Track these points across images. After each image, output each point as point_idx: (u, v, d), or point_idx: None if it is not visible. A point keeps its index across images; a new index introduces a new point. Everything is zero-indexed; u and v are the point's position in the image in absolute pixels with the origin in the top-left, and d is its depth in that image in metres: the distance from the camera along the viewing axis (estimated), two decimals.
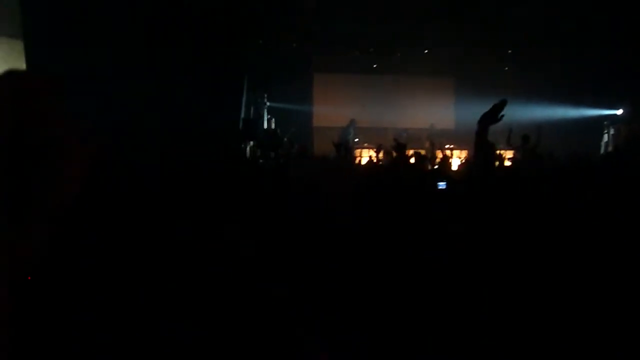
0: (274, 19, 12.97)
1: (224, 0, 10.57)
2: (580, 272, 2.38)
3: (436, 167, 8.23)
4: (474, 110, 4.22)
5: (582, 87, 14.54)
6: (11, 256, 0.61)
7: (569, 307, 2.24)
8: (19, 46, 9.25)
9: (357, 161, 11.38)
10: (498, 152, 8.69)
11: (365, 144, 15.12)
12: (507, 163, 8.64)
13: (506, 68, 16.47)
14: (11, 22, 9.29)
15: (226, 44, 10.79)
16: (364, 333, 2.19)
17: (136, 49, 9.16)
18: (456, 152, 13.23)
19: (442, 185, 4.43)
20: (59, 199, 0.65)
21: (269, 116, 15.40)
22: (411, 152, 6.98)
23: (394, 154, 7.73)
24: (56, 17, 8.94)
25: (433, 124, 16.82)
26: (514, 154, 10.52)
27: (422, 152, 9.45)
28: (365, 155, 14.04)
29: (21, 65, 8.66)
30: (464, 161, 10.53)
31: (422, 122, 16.84)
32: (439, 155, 9.59)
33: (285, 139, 12.57)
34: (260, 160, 10.13)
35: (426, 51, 16.08)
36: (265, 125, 15.06)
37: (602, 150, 13.90)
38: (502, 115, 2.92)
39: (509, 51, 15.72)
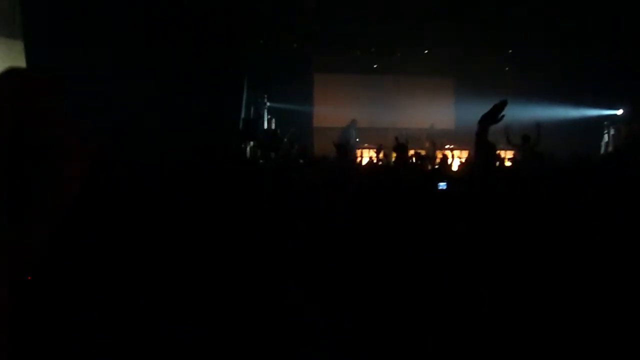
0: (274, 19, 12.96)
1: (224, 1, 10.56)
2: (580, 271, 2.38)
3: (436, 167, 8.23)
4: (474, 111, 4.22)
5: (582, 87, 14.54)
6: (11, 256, 0.61)
7: (569, 306, 2.24)
8: (18, 46, 9.25)
9: (357, 161, 11.38)
10: (498, 152, 8.69)
11: (366, 144, 15.12)
12: (508, 163, 8.64)
13: (506, 68, 16.46)
14: (10, 23, 9.30)
15: (226, 44, 10.78)
16: (365, 333, 2.19)
17: (136, 49, 9.16)
18: (456, 152, 13.22)
19: (442, 185, 4.44)
20: (59, 199, 0.65)
21: (269, 116, 15.40)
22: (412, 152, 6.98)
23: (394, 154, 7.74)
24: (56, 17, 8.93)
25: (433, 124, 16.82)
26: (514, 154, 10.52)
27: (422, 152, 9.46)
28: (366, 156, 14.06)
29: (21, 65, 8.64)
30: (464, 161, 10.52)
31: (422, 122, 16.84)
32: (439, 155, 9.60)
33: (285, 140, 12.56)
34: (261, 161, 10.13)
35: (426, 51, 16.08)
36: (265, 126, 15.05)
37: (603, 150, 13.90)
38: (503, 116, 2.91)
39: (509, 51, 15.72)
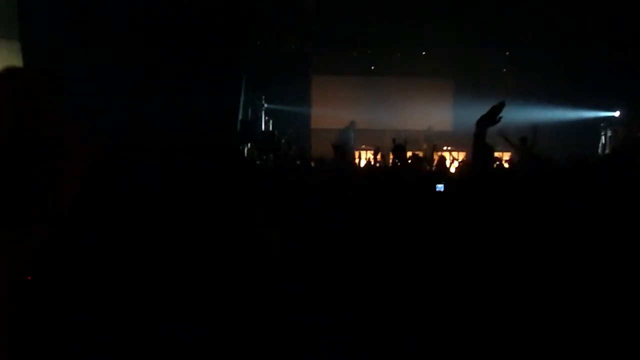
0: (273, 20, 12.97)
1: (222, 1, 10.56)
2: (578, 273, 2.39)
3: (433, 168, 8.23)
4: (472, 112, 4.23)
5: (580, 89, 14.57)
6: (11, 256, 0.61)
7: (569, 307, 2.24)
8: (16, 48, 9.25)
9: (355, 163, 11.38)
10: (496, 154, 8.72)
11: (363, 146, 15.13)
12: (505, 165, 8.66)
13: (504, 70, 16.48)
14: (8, 24, 9.29)
15: (224, 45, 10.78)
16: (365, 334, 2.19)
17: (134, 50, 9.15)
18: (454, 154, 13.24)
19: (440, 187, 4.44)
20: (59, 199, 0.65)
21: (266, 118, 15.40)
22: (409, 153, 6.97)
23: (391, 155, 7.74)
24: (54, 17, 8.93)
25: (431, 125, 16.84)
26: (511, 156, 10.55)
27: (420, 153, 9.46)
28: (363, 157, 14.06)
29: (18, 66, 8.62)
30: (461, 163, 10.54)
31: (420, 124, 16.86)
32: (436, 157, 9.60)
33: (283, 141, 12.57)
34: (258, 162, 10.13)
35: (424, 53, 16.09)
36: (263, 127, 15.05)
37: (600, 152, 13.93)
38: (500, 117, 2.92)
39: (507, 53, 15.75)
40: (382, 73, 17.20)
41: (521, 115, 12.47)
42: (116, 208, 2.02)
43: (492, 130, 2.95)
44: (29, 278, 0.64)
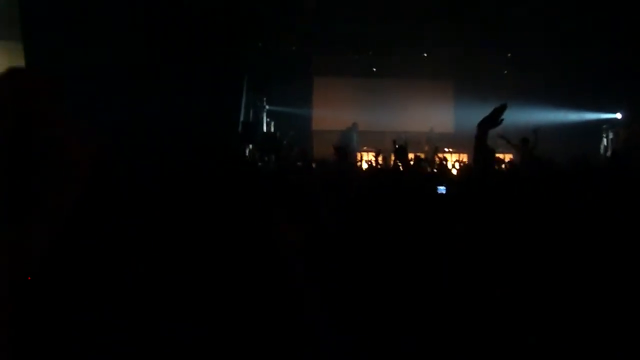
0: (273, 21, 12.98)
1: (223, 2, 10.57)
2: (581, 275, 2.38)
3: (435, 170, 8.23)
4: (473, 114, 4.22)
5: (582, 90, 14.57)
6: (11, 256, 0.61)
7: (568, 309, 2.24)
8: (18, 48, 9.26)
9: (357, 165, 11.39)
10: (497, 155, 8.71)
11: (364, 148, 15.13)
12: (503, 166, 8.66)
13: (505, 71, 16.49)
14: (10, 25, 9.31)
15: (225, 45, 10.79)
16: (363, 337, 2.19)
17: (135, 51, 9.16)
18: (455, 156, 13.24)
19: (441, 189, 4.44)
20: (60, 199, 0.65)
21: (268, 119, 15.41)
22: (411, 155, 6.97)
23: (393, 157, 7.73)
24: (55, 18, 8.94)
25: (432, 127, 16.83)
26: (512, 157, 10.56)
27: (422, 155, 9.46)
28: (365, 159, 14.07)
29: (20, 66, 8.62)
30: (462, 165, 10.54)
31: (421, 126, 16.85)
32: (438, 159, 9.60)
33: (285, 142, 12.58)
34: (259, 164, 10.13)
35: (425, 54, 16.10)
36: (265, 129, 15.07)
37: (601, 153, 13.93)
38: (502, 119, 2.91)
39: (508, 54, 15.75)
40: (383, 74, 17.20)
41: (522, 117, 12.48)
42: (117, 208, 2.02)
43: (493, 132, 2.95)
44: (29, 278, 0.64)
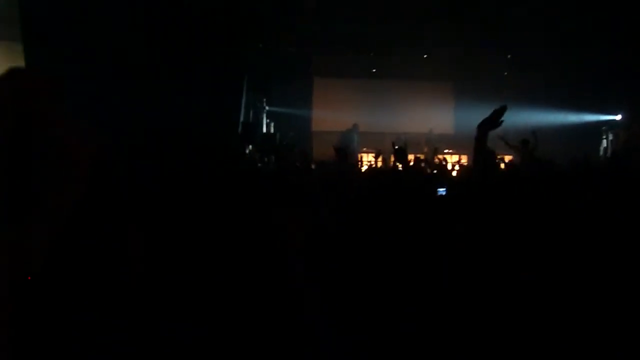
0: (274, 22, 12.99)
1: (223, 3, 10.57)
2: (580, 276, 2.38)
3: (435, 171, 8.22)
4: (473, 115, 4.22)
5: (582, 92, 14.59)
6: (11, 256, 0.60)
7: (569, 311, 2.24)
8: (18, 49, 9.26)
9: (357, 166, 11.39)
10: (498, 156, 8.71)
11: (364, 149, 15.13)
12: (502, 165, 8.66)
13: (505, 73, 16.50)
14: (10, 25, 9.30)
15: (225, 46, 10.79)
16: (363, 337, 2.19)
17: (135, 51, 9.16)
18: (455, 157, 13.24)
19: (442, 191, 4.44)
20: (60, 199, 0.65)
21: (267, 120, 15.41)
22: (411, 156, 6.96)
23: (392, 157, 7.72)
24: (55, 18, 8.94)
25: (432, 128, 16.83)
26: (512, 158, 10.56)
27: (421, 156, 9.47)
28: (365, 160, 14.07)
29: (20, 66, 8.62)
30: (462, 166, 10.54)
31: (421, 127, 16.85)
32: (437, 160, 9.61)
33: (285, 143, 12.57)
34: (259, 164, 10.13)
35: (425, 55, 16.11)
36: (264, 129, 15.07)
37: (601, 155, 13.93)
38: (502, 121, 2.91)
39: (508, 56, 15.76)
40: (382, 75, 17.20)
41: (522, 118, 12.49)
42: (117, 208, 2.02)
43: (493, 133, 2.95)
44: (29, 278, 0.64)
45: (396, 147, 5.78)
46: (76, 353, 1.54)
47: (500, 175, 4.84)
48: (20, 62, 8.99)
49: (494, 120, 2.89)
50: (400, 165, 5.06)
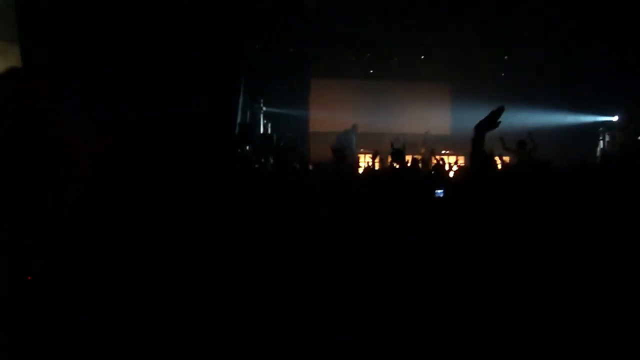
0: (272, 23, 12.98)
1: (221, 5, 10.58)
2: (578, 277, 2.39)
3: (432, 172, 8.22)
4: (471, 116, 4.22)
5: (578, 93, 14.62)
6: (11, 256, 0.60)
7: (566, 312, 2.24)
8: (16, 49, 9.23)
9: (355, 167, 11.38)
10: (496, 158, 8.73)
11: (362, 149, 15.12)
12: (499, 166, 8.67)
13: (503, 74, 16.51)
14: (11, 26, 9.27)
15: (223, 47, 10.79)
16: (361, 337, 2.19)
17: (133, 52, 9.15)
18: (452, 158, 13.24)
19: (439, 193, 4.43)
20: (60, 199, 0.65)
21: (265, 121, 15.40)
22: (409, 157, 6.96)
23: (389, 158, 7.71)
24: (53, 18, 8.92)
25: (429, 129, 16.83)
26: (509, 160, 10.59)
27: (419, 157, 9.46)
28: (362, 161, 14.07)
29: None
30: (460, 167, 10.55)
31: (419, 128, 16.84)
32: (434, 161, 9.62)
33: (282, 144, 12.57)
34: (256, 165, 10.12)
35: (423, 56, 16.11)
36: (262, 130, 15.06)
37: (598, 156, 13.96)
38: (499, 122, 2.91)
39: (506, 57, 15.77)
40: (380, 77, 17.19)
41: (520, 119, 12.52)
42: (116, 208, 2.02)
43: (491, 134, 2.95)
44: (29, 278, 0.64)
45: (393, 148, 5.78)
46: (76, 353, 1.54)
47: (497, 176, 4.85)
48: (16, 63, 8.97)
49: (491, 121, 2.89)
50: (397, 166, 5.06)
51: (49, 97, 0.67)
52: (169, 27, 9.68)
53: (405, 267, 2.66)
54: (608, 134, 14.46)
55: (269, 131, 15.22)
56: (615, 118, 15.07)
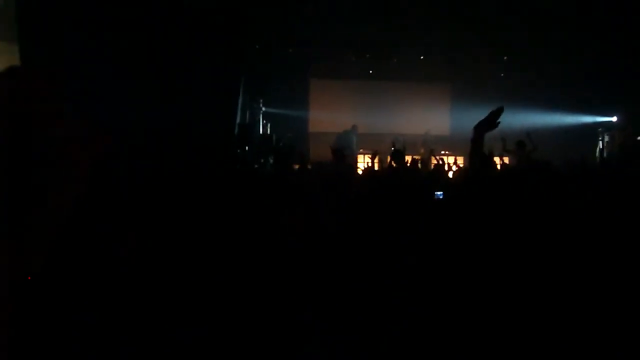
0: (271, 23, 12.99)
1: (220, 5, 10.58)
2: (578, 278, 2.39)
3: (431, 172, 8.23)
4: (470, 117, 4.22)
5: (578, 94, 14.64)
6: (11, 256, 0.60)
7: (564, 313, 2.24)
8: (16, 49, 9.23)
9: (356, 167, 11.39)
10: (496, 158, 8.75)
11: (361, 150, 15.12)
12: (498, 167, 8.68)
13: (502, 75, 16.52)
14: (8, 26, 9.27)
15: (223, 47, 10.78)
16: (360, 337, 2.19)
17: (132, 53, 9.16)
18: (451, 159, 13.25)
19: (439, 194, 4.43)
20: (60, 199, 0.65)
21: (264, 121, 15.40)
22: (408, 158, 6.96)
23: (389, 158, 7.72)
24: (53, 19, 8.92)
25: (428, 130, 16.83)
26: (509, 160, 10.60)
27: (418, 157, 9.46)
28: (361, 161, 14.07)
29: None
30: (459, 168, 10.56)
31: (418, 128, 16.85)
32: (434, 161, 9.62)
33: (281, 144, 12.56)
34: (256, 166, 10.12)
35: (422, 57, 16.11)
36: (261, 131, 15.05)
37: (597, 156, 13.97)
38: (499, 122, 2.91)
39: (505, 58, 15.78)
40: (380, 77, 17.20)
41: (519, 120, 12.53)
42: (116, 208, 2.02)
43: (490, 135, 2.95)
44: (29, 278, 0.64)
45: (393, 148, 5.78)
46: (76, 353, 1.54)
47: (496, 177, 4.85)
48: (16, 63, 8.95)
49: (490, 122, 2.89)
50: (395, 166, 5.07)
51: (48, 97, 0.67)
52: (168, 27, 9.69)
53: (404, 267, 2.66)
54: (607, 135, 14.47)
55: (269, 131, 15.22)
56: (614, 118, 15.09)
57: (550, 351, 2.11)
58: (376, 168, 8.71)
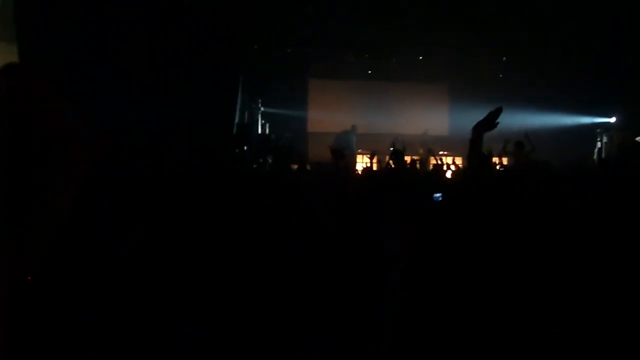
0: (270, 23, 12.99)
1: (220, 5, 10.57)
2: (576, 278, 2.39)
3: (430, 172, 8.23)
4: (468, 117, 4.22)
5: (576, 94, 14.66)
6: (11, 256, 0.60)
7: (566, 315, 2.24)
8: (15, 49, 9.21)
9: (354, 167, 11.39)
10: (494, 160, 8.76)
11: (359, 150, 15.12)
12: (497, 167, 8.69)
13: (501, 75, 16.53)
14: (7, 26, 9.26)
15: (222, 47, 10.78)
16: (359, 337, 2.19)
17: (132, 53, 9.15)
18: (450, 159, 13.26)
19: (438, 196, 4.42)
20: (60, 198, 0.65)
21: (263, 121, 15.40)
22: (407, 158, 6.97)
23: (387, 158, 7.72)
24: (52, 19, 8.91)
25: (427, 130, 16.83)
26: (507, 161, 10.61)
27: (416, 158, 9.47)
28: (359, 161, 14.08)
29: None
30: (457, 168, 10.57)
31: (416, 128, 16.85)
32: (433, 161, 9.63)
33: (280, 144, 12.56)
34: (254, 166, 10.12)
35: (421, 57, 16.12)
36: (260, 131, 15.05)
37: (595, 157, 13.99)
38: (497, 123, 2.91)
39: (504, 58, 15.80)
40: (378, 77, 17.21)
41: (517, 120, 12.54)
42: (116, 208, 2.02)
43: (489, 135, 2.95)
44: (29, 278, 0.64)
45: (392, 148, 5.79)
46: (76, 353, 1.54)
47: (495, 177, 4.85)
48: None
49: (489, 122, 2.89)
50: (394, 166, 5.07)
51: (48, 96, 0.67)
52: (167, 27, 9.68)
53: (403, 267, 2.66)
54: (606, 135, 14.48)
55: (267, 131, 15.21)
56: (613, 119, 15.11)
57: (550, 351, 2.11)
58: (375, 168, 8.72)
